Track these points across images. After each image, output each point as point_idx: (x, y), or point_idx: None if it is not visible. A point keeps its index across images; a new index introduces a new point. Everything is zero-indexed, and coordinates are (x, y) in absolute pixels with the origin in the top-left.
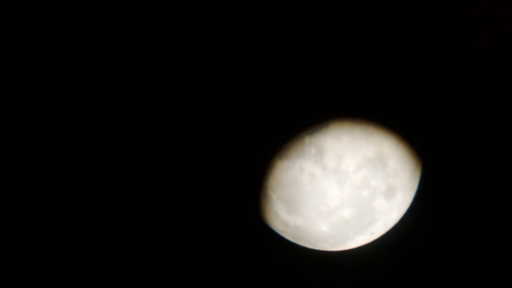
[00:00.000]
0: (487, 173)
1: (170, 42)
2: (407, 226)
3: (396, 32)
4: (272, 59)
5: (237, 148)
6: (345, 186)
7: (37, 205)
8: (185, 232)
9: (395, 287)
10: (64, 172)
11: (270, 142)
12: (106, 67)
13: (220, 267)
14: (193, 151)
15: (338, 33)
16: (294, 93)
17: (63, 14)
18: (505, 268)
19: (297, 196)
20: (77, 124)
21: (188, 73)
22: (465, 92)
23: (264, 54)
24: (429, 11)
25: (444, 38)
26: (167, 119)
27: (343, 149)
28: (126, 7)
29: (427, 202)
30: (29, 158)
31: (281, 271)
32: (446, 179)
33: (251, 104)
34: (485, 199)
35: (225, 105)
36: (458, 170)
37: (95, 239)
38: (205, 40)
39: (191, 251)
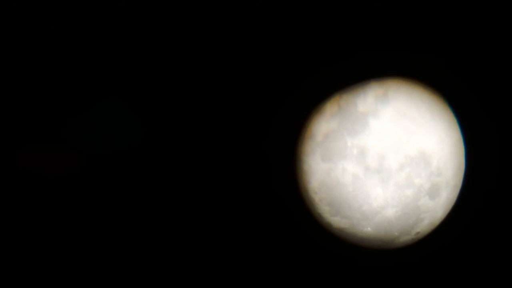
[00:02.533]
0: None
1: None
2: (453, 225)
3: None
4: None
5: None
6: (389, 185)
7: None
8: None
9: None
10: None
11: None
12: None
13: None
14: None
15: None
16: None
17: None
18: None
19: (340, 197)
20: None
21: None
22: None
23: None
24: None
25: None
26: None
27: (385, 148)
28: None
29: (472, 200)
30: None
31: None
32: (491, 175)
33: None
34: None
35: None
36: (504, 166)
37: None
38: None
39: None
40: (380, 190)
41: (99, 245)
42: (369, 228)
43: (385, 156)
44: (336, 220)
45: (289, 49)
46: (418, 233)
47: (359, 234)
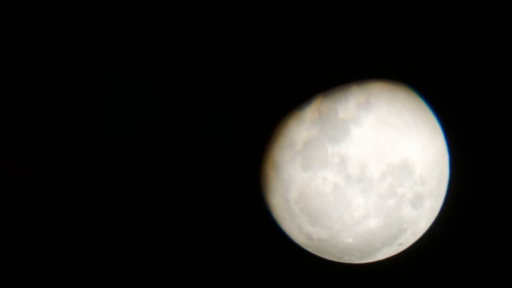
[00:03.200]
0: None
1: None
2: (437, 236)
3: None
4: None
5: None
6: (370, 195)
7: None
8: (206, 246)
9: None
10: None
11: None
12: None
13: (242, 283)
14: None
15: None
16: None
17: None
18: None
19: (321, 207)
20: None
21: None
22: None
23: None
24: None
25: None
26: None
27: (367, 157)
28: None
29: (457, 210)
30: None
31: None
32: (476, 184)
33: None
34: None
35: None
36: (488, 174)
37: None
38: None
39: (211, 266)
40: (362, 200)
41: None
42: (350, 239)
43: (366, 164)
44: (316, 230)
45: (268, 54)
46: (401, 244)
47: (339, 245)
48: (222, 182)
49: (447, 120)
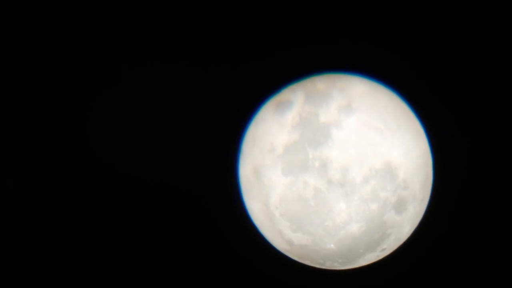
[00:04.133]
0: (503, 179)
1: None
2: (421, 241)
3: None
4: None
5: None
6: (353, 199)
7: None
8: (182, 255)
9: None
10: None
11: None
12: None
13: None
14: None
15: None
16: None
17: None
18: None
19: (302, 212)
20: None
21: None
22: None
23: None
24: None
25: None
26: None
27: (349, 161)
28: None
29: (441, 214)
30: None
31: None
32: (460, 188)
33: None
34: (502, 209)
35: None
36: (472, 178)
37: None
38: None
39: (189, 273)
40: (344, 205)
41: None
42: (332, 245)
43: (348, 168)
44: (297, 236)
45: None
46: (384, 249)
47: (321, 251)
48: (201, 187)
49: (430, 124)
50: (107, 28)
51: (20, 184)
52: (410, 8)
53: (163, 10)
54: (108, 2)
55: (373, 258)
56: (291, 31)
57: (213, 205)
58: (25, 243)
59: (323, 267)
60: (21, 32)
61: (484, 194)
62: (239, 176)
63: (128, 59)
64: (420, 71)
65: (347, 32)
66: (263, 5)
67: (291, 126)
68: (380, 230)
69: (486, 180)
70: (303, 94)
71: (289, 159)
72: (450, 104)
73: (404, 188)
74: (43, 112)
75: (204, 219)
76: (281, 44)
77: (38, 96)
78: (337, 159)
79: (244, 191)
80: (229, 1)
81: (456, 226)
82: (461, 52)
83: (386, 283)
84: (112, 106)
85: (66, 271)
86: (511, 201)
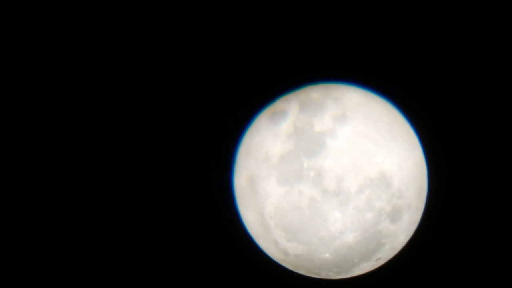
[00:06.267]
0: (498, 188)
1: None
2: (416, 250)
3: None
4: None
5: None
6: (347, 209)
7: None
8: (180, 264)
9: None
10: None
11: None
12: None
13: None
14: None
15: None
16: None
17: None
18: None
19: (297, 222)
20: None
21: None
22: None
23: None
24: None
25: None
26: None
27: (344, 170)
28: None
29: (436, 223)
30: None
31: None
32: (455, 197)
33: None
34: (497, 218)
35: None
36: (467, 186)
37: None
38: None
39: (184, 282)
40: (339, 214)
41: None
42: (327, 254)
43: (343, 178)
44: (292, 246)
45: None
46: (379, 259)
47: (316, 260)
48: (196, 197)
49: (425, 133)
50: (107, 34)
51: (16, 193)
52: (405, 18)
53: (160, 17)
54: (107, 7)
55: (368, 267)
56: (285, 41)
57: (208, 214)
58: (22, 249)
59: (318, 276)
60: (15, 38)
61: (479, 202)
62: (234, 186)
63: (126, 67)
64: (415, 81)
65: (342, 43)
66: (259, 16)
67: (286, 135)
68: (375, 239)
69: (481, 188)
70: (297, 104)
71: (284, 169)
72: (445, 113)
73: (399, 197)
74: (38, 118)
75: (199, 228)
76: (276, 54)
77: (34, 100)
78: (332, 169)
79: (239, 201)
80: (225, 12)
81: (451, 234)
82: (455, 62)
83: None
84: (108, 113)
85: (61, 271)
86: (506, 210)
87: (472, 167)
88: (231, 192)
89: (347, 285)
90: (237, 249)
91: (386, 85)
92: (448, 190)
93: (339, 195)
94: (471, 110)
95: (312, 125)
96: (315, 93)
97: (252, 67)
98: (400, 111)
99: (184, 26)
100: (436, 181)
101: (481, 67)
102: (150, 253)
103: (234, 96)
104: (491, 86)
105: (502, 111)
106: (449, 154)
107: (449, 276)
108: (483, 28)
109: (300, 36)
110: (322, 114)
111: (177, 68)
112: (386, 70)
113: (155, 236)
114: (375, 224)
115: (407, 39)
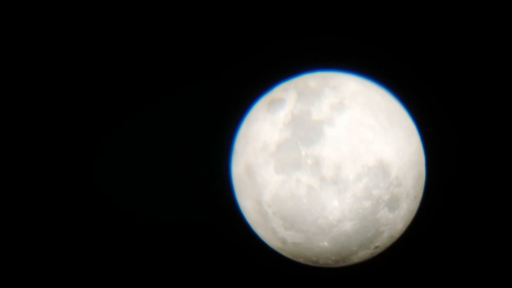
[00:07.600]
0: (496, 177)
1: None
2: (414, 239)
3: None
4: None
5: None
6: (345, 197)
7: None
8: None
9: None
10: None
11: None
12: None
13: None
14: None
15: None
16: None
17: None
18: None
19: (295, 210)
20: None
21: None
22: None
23: None
24: None
25: None
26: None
27: (342, 158)
28: None
29: (434, 211)
30: None
31: None
32: (453, 185)
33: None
34: (495, 206)
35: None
36: (465, 175)
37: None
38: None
39: (181, 272)
40: (337, 202)
41: None
42: (325, 243)
43: (341, 166)
44: (290, 234)
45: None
46: (377, 247)
47: (315, 248)
48: (193, 186)
49: (423, 121)
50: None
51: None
52: (403, 5)
53: (153, 7)
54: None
55: (366, 255)
56: (282, 29)
57: (205, 203)
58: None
59: (317, 265)
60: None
61: (477, 191)
62: (231, 175)
63: (122, 57)
64: (413, 69)
65: (339, 30)
66: (255, 4)
67: (283, 124)
68: (373, 227)
69: (479, 177)
70: (295, 92)
71: (281, 157)
72: (443, 101)
73: (397, 185)
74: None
75: (196, 217)
76: (272, 42)
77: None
78: (329, 157)
79: (236, 189)
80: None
81: (450, 223)
82: (454, 49)
83: (380, 280)
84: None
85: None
86: (504, 198)
87: (471, 156)
88: (228, 181)
89: (346, 273)
90: (235, 238)
91: (384, 73)
92: (446, 178)
93: (337, 183)
94: (470, 99)
95: (310, 114)
96: (313, 81)
97: (249, 56)
98: (398, 100)
99: (180, 13)
100: (434, 169)
101: (480, 55)
102: (146, 241)
103: (231, 84)
104: (490, 74)
105: (501, 99)
106: (448, 142)
107: (447, 264)
108: (481, 16)
109: (297, 24)
110: (319, 102)
111: (172, 55)
112: (384, 58)
113: (151, 226)
114: (373, 213)
115: (405, 26)
